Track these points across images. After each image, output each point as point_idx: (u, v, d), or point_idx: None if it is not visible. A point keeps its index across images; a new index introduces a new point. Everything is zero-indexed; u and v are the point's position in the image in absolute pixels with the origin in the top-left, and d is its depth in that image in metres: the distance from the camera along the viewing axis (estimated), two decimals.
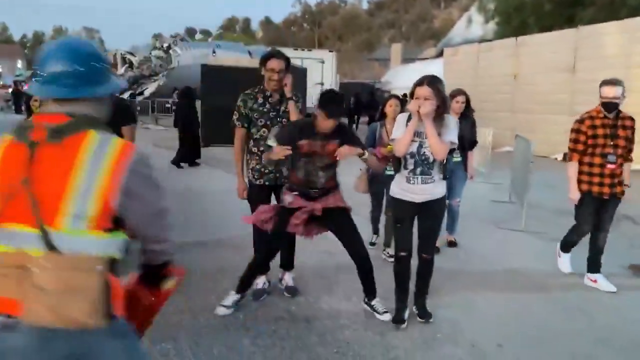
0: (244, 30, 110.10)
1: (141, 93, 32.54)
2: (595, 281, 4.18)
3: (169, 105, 30.96)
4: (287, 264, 3.92)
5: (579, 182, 4.08)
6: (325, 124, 3.15)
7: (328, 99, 3.17)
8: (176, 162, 10.70)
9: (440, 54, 25.43)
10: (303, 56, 17.21)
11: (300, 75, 12.91)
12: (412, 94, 3.16)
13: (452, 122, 3.23)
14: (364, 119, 20.94)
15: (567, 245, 4.44)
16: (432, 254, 3.40)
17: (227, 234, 5.28)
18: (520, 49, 15.49)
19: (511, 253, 5.07)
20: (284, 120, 3.60)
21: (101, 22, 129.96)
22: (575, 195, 4.09)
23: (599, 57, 12.76)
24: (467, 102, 4.94)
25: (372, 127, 4.77)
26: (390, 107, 4.67)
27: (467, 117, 4.94)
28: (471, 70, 17.70)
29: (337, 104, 3.20)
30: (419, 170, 3.19)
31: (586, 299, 3.93)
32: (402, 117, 3.33)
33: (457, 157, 4.49)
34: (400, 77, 26.06)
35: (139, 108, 30.28)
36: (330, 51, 19.21)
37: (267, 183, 3.66)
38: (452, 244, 5.11)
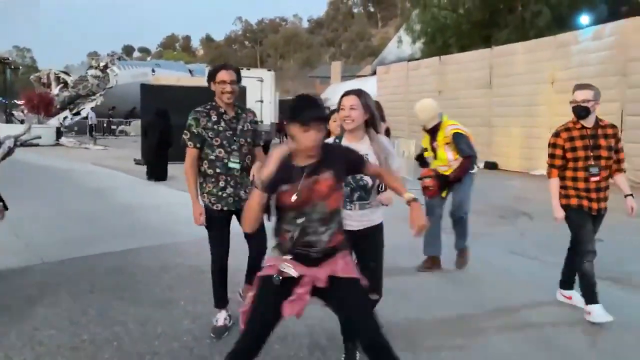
0: (185, 48, 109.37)
1: (78, 113, 31.98)
2: (570, 297, 3.99)
3: (107, 125, 30.85)
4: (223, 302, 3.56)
5: (567, 197, 3.74)
6: (306, 139, 2.18)
7: (298, 104, 2.24)
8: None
9: (375, 72, 26.76)
10: (242, 75, 17.74)
11: (239, 93, 13.49)
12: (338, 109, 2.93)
13: (386, 140, 2.97)
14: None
15: (587, 285, 3.66)
16: (381, 294, 2.94)
17: (170, 240, 5.78)
18: (443, 67, 16.83)
19: (417, 243, 5.82)
20: (241, 140, 3.32)
21: (33, 41, 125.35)
22: (560, 214, 3.74)
23: (511, 74, 14.20)
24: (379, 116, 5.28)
25: None
26: (334, 123, 4.15)
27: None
28: (402, 87, 18.94)
29: (312, 106, 2.23)
30: (356, 195, 2.84)
31: (474, 277, 4.74)
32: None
33: None
34: (339, 94, 27.01)
35: (76, 128, 29.96)
36: (268, 70, 19.90)
37: (225, 208, 3.31)
38: None
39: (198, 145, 3.26)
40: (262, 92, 17.71)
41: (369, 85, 21.29)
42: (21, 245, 5.40)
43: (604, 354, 3.30)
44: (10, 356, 3.06)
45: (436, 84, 16.95)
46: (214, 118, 3.28)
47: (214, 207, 3.31)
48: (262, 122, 15.83)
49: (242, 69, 19.56)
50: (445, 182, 4.77)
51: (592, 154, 3.62)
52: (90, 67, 37.55)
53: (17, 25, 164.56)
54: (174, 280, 4.47)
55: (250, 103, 15.58)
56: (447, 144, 4.73)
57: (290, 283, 2.23)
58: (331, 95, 32.76)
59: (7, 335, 3.32)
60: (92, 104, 32.19)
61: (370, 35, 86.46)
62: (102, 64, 35.84)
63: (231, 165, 3.28)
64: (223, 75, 3.26)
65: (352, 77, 39.14)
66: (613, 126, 3.75)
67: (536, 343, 3.40)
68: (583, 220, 3.67)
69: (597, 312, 3.59)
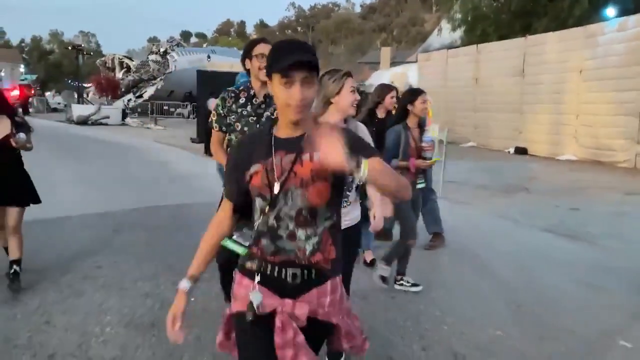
0: (239, 33, 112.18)
1: (140, 96, 34.53)
2: None
3: (166, 108, 33.19)
4: None
5: None
6: (288, 96, 1.53)
7: (279, 48, 1.58)
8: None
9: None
10: None
11: None
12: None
13: (362, 130, 2.71)
14: None
15: None
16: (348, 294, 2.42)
17: (215, 199, 7.20)
18: (480, 55, 17.47)
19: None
20: None
21: (97, 26, 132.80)
22: None
23: (542, 62, 14.75)
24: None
25: (396, 131, 3.74)
26: (423, 104, 3.79)
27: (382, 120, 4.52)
28: (441, 74, 19.65)
29: (296, 49, 1.55)
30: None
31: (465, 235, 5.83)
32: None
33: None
34: (383, 80, 27.99)
35: (139, 110, 32.49)
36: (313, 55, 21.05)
37: None
38: (371, 263, 4.47)
39: (224, 128, 2.97)
40: None
41: (411, 72, 22.16)
42: (102, 197, 7.02)
43: None
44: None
45: (473, 71, 17.61)
46: (242, 100, 2.94)
47: None
48: None
49: None
50: None
51: None
52: (151, 52, 40.11)
53: (82, 11, 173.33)
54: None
55: None
56: None
57: (268, 317, 1.59)
58: (375, 81, 33.64)
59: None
60: (154, 88, 34.62)
61: (423, 20, 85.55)
62: (162, 50, 38.24)
63: None
64: (262, 48, 2.88)
65: (401, 63, 39.66)
66: None
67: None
68: None
69: None
